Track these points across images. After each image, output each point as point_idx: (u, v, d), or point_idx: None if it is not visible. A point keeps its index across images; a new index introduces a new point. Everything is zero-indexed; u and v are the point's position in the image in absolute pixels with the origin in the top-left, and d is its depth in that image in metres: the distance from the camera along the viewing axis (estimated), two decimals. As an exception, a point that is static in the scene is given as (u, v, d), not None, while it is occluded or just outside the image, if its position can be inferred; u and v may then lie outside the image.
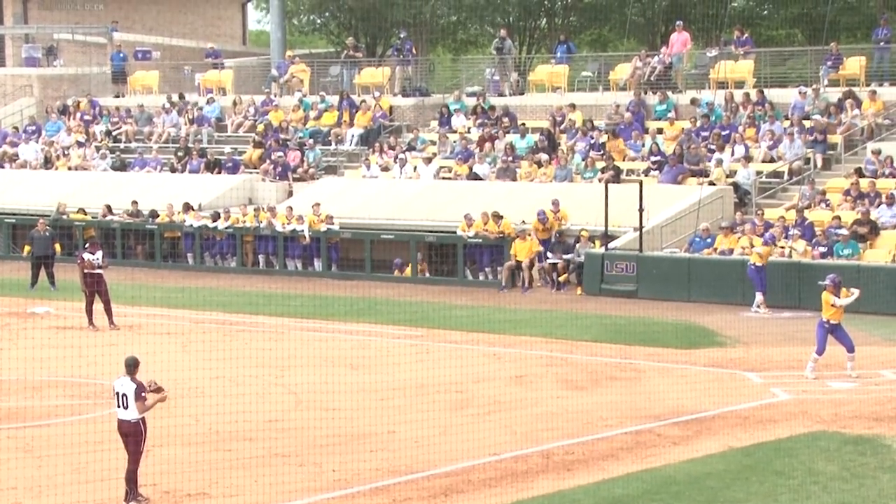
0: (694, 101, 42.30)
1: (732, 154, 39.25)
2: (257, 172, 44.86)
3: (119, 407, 17.17)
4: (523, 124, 43.91)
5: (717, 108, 41.80)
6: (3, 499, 17.33)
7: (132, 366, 17.24)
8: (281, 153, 44.98)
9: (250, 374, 24.62)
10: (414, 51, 50.12)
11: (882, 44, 42.48)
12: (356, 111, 46.78)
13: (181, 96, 50.82)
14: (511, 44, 49.69)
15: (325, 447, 19.87)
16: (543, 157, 41.41)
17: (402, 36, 50.84)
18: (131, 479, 17.10)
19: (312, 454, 19.53)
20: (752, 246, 33.20)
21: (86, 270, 30.56)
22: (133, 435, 17.10)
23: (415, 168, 42.75)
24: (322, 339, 28.64)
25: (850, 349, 24.18)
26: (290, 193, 43.58)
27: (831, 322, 24.11)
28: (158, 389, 17.44)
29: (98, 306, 30.74)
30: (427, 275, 37.94)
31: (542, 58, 52.07)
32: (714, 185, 37.75)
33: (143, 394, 17.08)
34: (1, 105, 52.96)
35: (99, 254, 31.12)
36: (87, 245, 31.89)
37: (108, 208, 42.99)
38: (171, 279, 37.70)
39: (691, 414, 21.64)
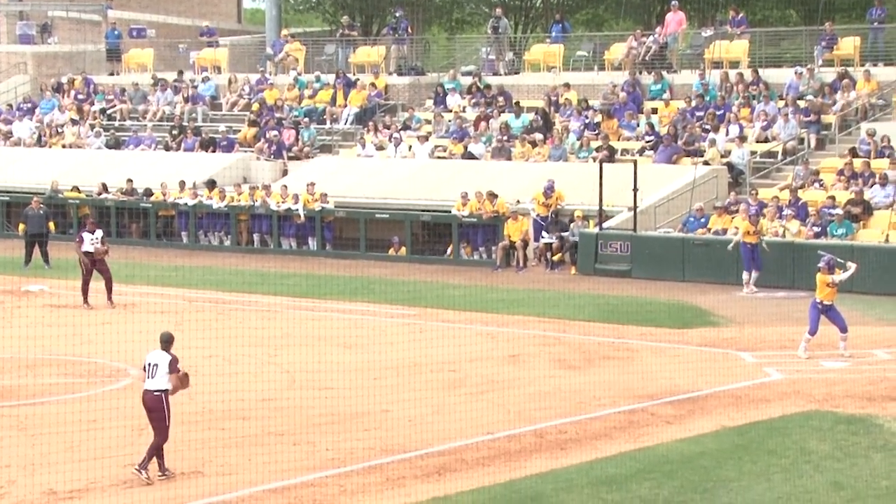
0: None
1: (727, 134, 39.25)
2: (252, 151, 44.80)
3: (147, 377, 17.28)
4: (518, 104, 43.86)
5: (711, 88, 41.77)
6: (-3, 476, 17.36)
7: (167, 341, 17.48)
8: (276, 132, 44.92)
9: (244, 353, 24.63)
10: (410, 30, 50.04)
11: (876, 24, 42.45)
12: (351, 90, 46.71)
13: (180, 73, 50.73)
14: (507, 23, 49.61)
15: (319, 426, 19.89)
16: (538, 136, 41.39)
17: (397, 15, 50.73)
18: (154, 454, 17.19)
19: (307, 433, 19.55)
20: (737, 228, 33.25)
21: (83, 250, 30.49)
22: (156, 410, 17.19)
23: (410, 147, 42.72)
24: (316, 319, 28.63)
25: (843, 329, 24.21)
26: (285, 172, 43.55)
27: (824, 303, 24.15)
28: (185, 374, 17.63)
29: (96, 284, 30.71)
30: (464, 254, 37.72)
31: (538, 37, 52.00)
32: (708, 165, 37.75)
33: (177, 366, 17.29)
34: (-5, 83, 52.91)
35: (98, 233, 31.05)
36: (85, 224, 31.80)
37: (104, 186, 42.94)
38: (165, 258, 37.66)
39: (685, 393, 21.68)
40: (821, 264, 24.38)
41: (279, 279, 33.53)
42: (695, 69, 43.92)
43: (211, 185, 41.40)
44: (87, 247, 30.50)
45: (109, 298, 30.38)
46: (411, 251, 38.23)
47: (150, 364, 17.30)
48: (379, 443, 18.89)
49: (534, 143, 41.05)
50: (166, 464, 17.35)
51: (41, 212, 37.23)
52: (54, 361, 23.47)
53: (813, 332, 24.18)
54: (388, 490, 16.92)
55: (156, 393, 17.22)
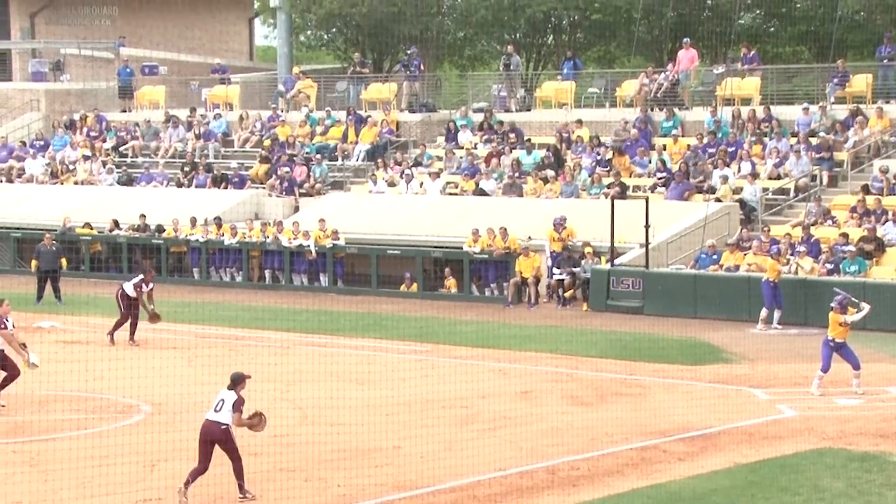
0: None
1: (738, 171, 39.31)
2: (264, 187, 44.95)
3: (213, 410, 18.01)
4: (529, 140, 43.97)
5: (723, 124, 41.87)
6: (9, 513, 17.40)
7: (235, 381, 18.28)
8: (287, 168, 45.07)
9: (256, 389, 24.45)
10: (422, 67, 50.23)
11: (886, 61, 42.55)
12: (363, 126, 46.86)
13: (192, 110, 50.93)
14: (519, 60, 49.79)
15: (330, 462, 19.90)
16: (550, 173, 41.48)
17: (409, 52, 50.93)
18: (239, 475, 17.94)
19: (318, 469, 19.56)
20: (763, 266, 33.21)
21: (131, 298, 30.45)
22: (224, 441, 17.89)
23: (421, 184, 42.82)
24: (328, 355, 28.64)
25: (856, 367, 24.19)
26: (297, 209, 43.65)
27: (836, 340, 24.14)
28: (257, 415, 18.43)
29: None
30: (454, 291, 37.90)
31: (549, 74, 52.17)
32: (720, 201, 37.78)
33: (241, 406, 17.93)
34: (8, 119, 53.10)
35: (152, 285, 31.05)
36: (142, 275, 31.45)
37: (115, 223, 43.08)
38: (177, 294, 37.73)
39: (697, 430, 21.65)
40: (833, 304, 24.40)
41: (291, 315, 33.56)
42: (706, 106, 44.05)
43: (218, 222, 41.47)
44: (131, 291, 30.47)
45: (132, 337, 30.35)
46: (423, 287, 38.26)
47: (220, 399, 18.15)
48: (390, 479, 18.89)
49: (545, 180, 41.14)
50: (246, 485, 17.94)
51: (53, 248, 37.35)
52: (66, 398, 23.49)
53: (825, 370, 24.17)
54: (399, 527, 16.93)
55: (222, 426, 17.91)
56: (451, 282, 38.12)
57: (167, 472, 18.39)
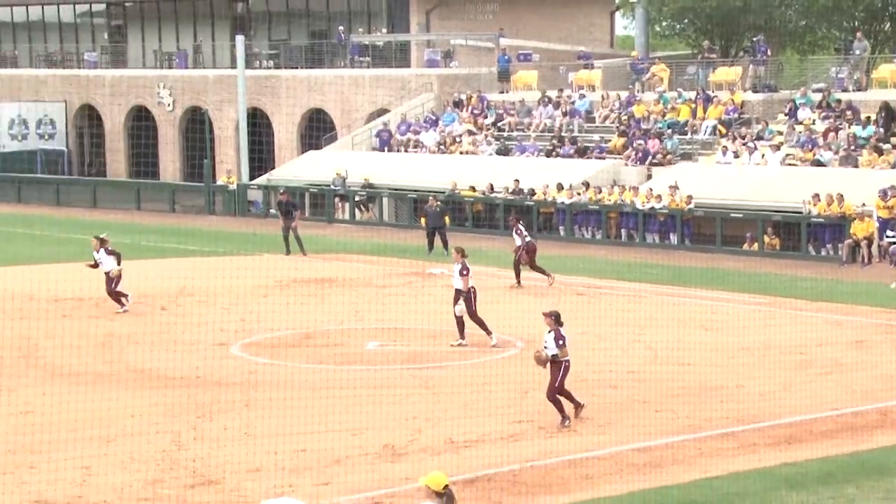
0: None
1: None
2: (621, 158, 44.71)
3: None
4: (868, 118, 41.93)
5: None
6: (407, 426, 17.87)
7: (551, 316, 18.15)
8: (641, 141, 44.65)
9: (612, 332, 24.51)
10: (768, 52, 48.75)
11: None
12: (710, 105, 45.87)
13: (560, 91, 51.20)
14: (866, 44, 47.45)
15: (678, 396, 19.60)
16: (886, 146, 39.42)
17: (755, 39, 49.54)
18: (551, 399, 17.89)
19: (667, 402, 19.30)
20: None
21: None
22: (553, 367, 17.86)
23: (763, 155, 41.52)
24: (677, 304, 28.24)
25: None
26: (649, 176, 43.17)
27: None
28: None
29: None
30: (777, 249, 36.84)
31: (885, 57, 49.57)
32: None
33: (559, 342, 17.76)
34: (407, 99, 54.64)
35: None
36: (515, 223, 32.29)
37: (491, 186, 43.82)
38: (544, 248, 37.91)
39: None
40: None
41: (643, 269, 33.25)
42: None
43: (585, 185, 41.57)
44: (518, 241, 31.12)
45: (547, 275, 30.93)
46: (762, 246, 37.21)
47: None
48: (733, 413, 18.44)
49: (880, 152, 39.13)
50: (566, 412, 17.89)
51: (437, 209, 38.15)
52: (453, 333, 23.94)
53: None
54: (741, 455, 16.50)
55: (548, 357, 17.89)
56: (774, 240, 36.93)
57: (537, 399, 18.51)
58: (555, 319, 17.99)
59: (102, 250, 27.19)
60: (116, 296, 27.19)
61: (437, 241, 37.43)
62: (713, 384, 20.33)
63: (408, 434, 17.38)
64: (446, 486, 9.48)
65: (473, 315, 23.40)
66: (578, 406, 18.09)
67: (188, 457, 16.29)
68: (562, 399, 17.89)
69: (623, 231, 40.67)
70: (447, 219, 38.72)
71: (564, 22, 62.73)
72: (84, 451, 16.36)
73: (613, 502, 14.57)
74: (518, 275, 31.02)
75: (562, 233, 42.02)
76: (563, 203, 41.92)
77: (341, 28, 58.32)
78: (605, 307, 27.19)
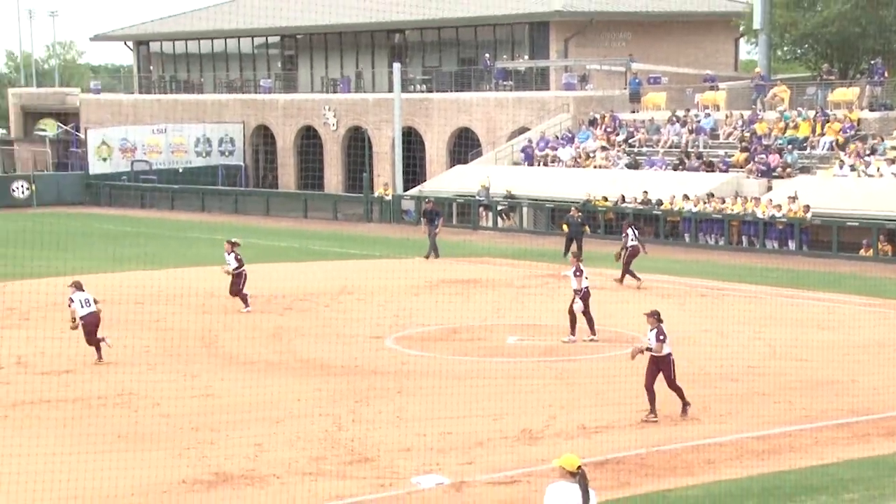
0: None
1: None
2: (743, 171, 43.83)
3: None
4: (978, 132, 40.38)
5: None
6: (542, 412, 17.79)
7: (653, 315, 17.69)
8: (763, 156, 43.70)
9: (734, 329, 24.04)
10: (885, 74, 47.31)
11: None
12: (827, 123, 44.67)
13: (686, 110, 50.47)
14: None
15: (795, 389, 19.11)
16: None
17: (873, 62, 48.17)
18: (673, 388, 17.50)
19: (785, 394, 18.83)
20: None
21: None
22: (662, 365, 17.41)
23: (878, 169, 40.27)
24: (794, 304, 27.53)
25: None
26: (770, 188, 42.21)
27: None
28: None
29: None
30: (890, 255, 35.74)
31: None
32: None
33: (660, 337, 17.39)
34: (546, 119, 54.43)
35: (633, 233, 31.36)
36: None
37: (622, 197, 43.40)
38: (671, 253, 37.48)
39: None
40: None
41: (763, 272, 32.53)
42: None
43: (709, 196, 40.82)
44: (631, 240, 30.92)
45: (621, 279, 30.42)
46: (877, 252, 36.06)
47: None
48: (847, 405, 17.91)
49: None
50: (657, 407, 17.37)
51: (579, 220, 37.74)
52: (584, 330, 23.69)
53: None
54: (854, 444, 16.01)
55: (655, 355, 17.46)
56: (886, 246, 35.76)
57: (661, 390, 18.18)
58: (656, 318, 17.67)
59: (232, 254, 26.50)
60: (243, 296, 26.34)
61: (573, 247, 37.14)
62: (828, 379, 19.77)
63: (543, 420, 17.29)
64: (579, 466, 9.38)
65: (585, 312, 23.26)
66: (686, 405, 17.59)
67: (347, 437, 16.48)
68: (673, 393, 17.47)
69: (744, 238, 39.85)
70: (586, 228, 38.50)
71: (692, 48, 61.92)
72: (256, 430, 16.69)
73: (734, 485, 14.26)
74: (633, 275, 30.49)
75: (687, 239, 41.36)
76: (689, 211, 41.27)
77: (487, 55, 58.52)
78: (727, 307, 26.70)
